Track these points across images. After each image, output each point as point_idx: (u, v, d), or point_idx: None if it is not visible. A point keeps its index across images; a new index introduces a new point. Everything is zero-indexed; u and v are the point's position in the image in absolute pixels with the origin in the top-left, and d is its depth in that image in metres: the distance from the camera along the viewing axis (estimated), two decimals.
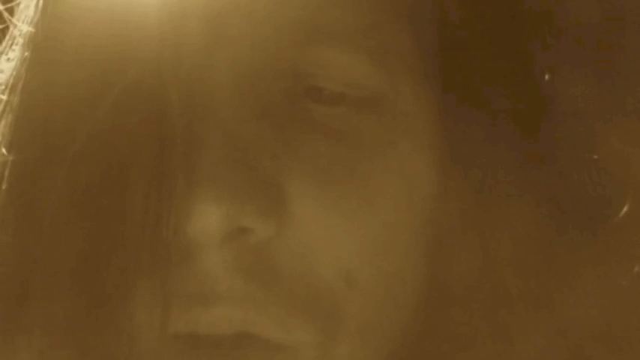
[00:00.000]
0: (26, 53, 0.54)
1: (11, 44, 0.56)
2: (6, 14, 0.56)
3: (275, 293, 0.48)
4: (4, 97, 0.54)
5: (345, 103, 0.50)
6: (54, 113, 0.50)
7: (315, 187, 0.49)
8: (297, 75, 0.50)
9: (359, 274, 0.49)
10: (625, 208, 0.54)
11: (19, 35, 0.55)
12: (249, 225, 0.48)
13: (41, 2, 0.53)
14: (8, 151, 0.51)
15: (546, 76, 0.53)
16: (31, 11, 0.54)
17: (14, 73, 0.54)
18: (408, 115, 0.51)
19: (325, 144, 0.49)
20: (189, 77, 0.49)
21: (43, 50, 0.52)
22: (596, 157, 0.54)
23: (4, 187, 0.51)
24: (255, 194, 0.48)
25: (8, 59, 0.56)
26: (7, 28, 0.57)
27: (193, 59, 0.49)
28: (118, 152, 0.48)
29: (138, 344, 0.47)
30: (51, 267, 0.49)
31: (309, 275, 0.49)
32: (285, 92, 0.50)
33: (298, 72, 0.50)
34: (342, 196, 0.49)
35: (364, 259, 0.49)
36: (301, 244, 0.49)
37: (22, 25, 0.55)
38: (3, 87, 0.55)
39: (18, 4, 0.56)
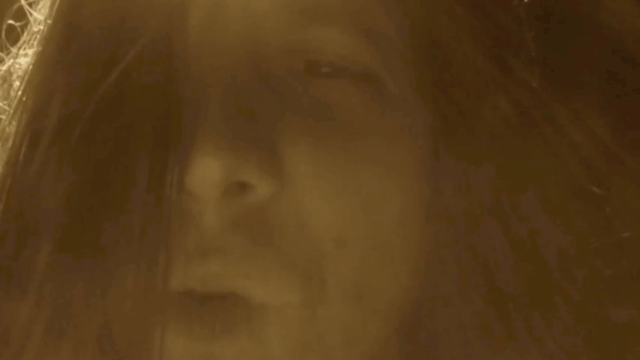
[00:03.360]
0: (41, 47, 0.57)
1: (29, 40, 0.59)
2: (27, 8, 0.60)
3: (268, 251, 0.51)
4: (20, 91, 0.57)
5: (342, 78, 0.53)
6: (68, 81, 0.53)
7: (310, 152, 0.51)
8: (295, 51, 0.53)
9: (348, 237, 0.51)
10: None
11: (37, 32, 0.59)
12: (248, 180, 0.50)
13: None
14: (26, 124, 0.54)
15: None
16: (47, 9, 0.58)
17: (30, 67, 0.57)
18: (398, 94, 0.54)
19: (321, 113, 0.52)
20: (195, 45, 0.51)
21: (56, 27, 0.55)
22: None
23: (21, 157, 0.54)
24: (255, 151, 0.50)
25: (26, 54, 0.59)
26: (26, 25, 0.60)
27: (198, 29, 0.52)
28: (127, 115, 0.51)
29: (139, 300, 0.49)
30: (59, 222, 0.51)
31: (300, 236, 0.51)
32: (285, 67, 0.53)
33: (296, 49, 0.53)
34: (335, 162, 0.51)
35: (353, 222, 0.51)
36: (296, 205, 0.51)
37: (40, 22, 0.58)
38: (21, 79, 0.58)
39: (37, 2, 0.59)
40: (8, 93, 0.59)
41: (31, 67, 0.57)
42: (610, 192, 0.55)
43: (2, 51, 0.61)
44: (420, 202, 0.54)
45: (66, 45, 0.54)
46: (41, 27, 0.58)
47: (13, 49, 0.60)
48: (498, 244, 0.55)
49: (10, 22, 0.61)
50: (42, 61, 0.56)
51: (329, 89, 0.52)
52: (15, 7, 0.60)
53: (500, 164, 0.55)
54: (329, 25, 0.52)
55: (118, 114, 0.51)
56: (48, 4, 0.58)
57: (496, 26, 0.55)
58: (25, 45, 0.60)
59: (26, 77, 0.57)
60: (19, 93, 0.57)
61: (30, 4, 0.60)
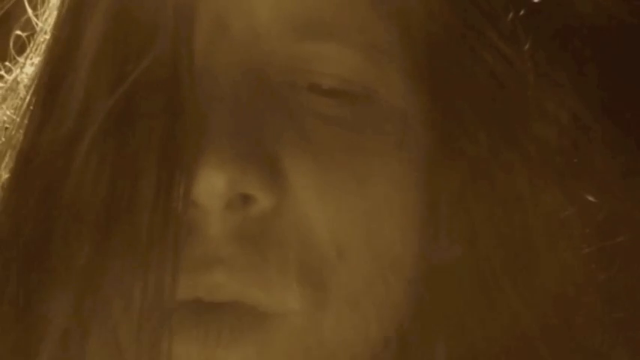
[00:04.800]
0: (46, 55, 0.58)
1: (35, 49, 0.61)
2: (35, 20, 0.61)
3: (270, 261, 0.52)
4: (27, 97, 0.58)
5: (341, 95, 0.54)
6: (74, 95, 0.54)
7: (312, 165, 0.53)
8: (297, 69, 0.54)
9: (348, 247, 0.53)
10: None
11: (43, 42, 0.60)
12: (252, 192, 0.52)
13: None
14: (34, 134, 0.56)
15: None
16: (52, 19, 0.59)
17: (37, 75, 0.58)
18: (397, 107, 0.56)
19: (322, 128, 0.54)
20: (200, 62, 0.53)
21: (62, 40, 0.57)
22: None
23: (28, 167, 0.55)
24: (257, 165, 0.52)
25: (32, 64, 0.60)
26: (33, 35, 0.61)
27: (203, 46, 0.53)
28: (134, 130, 0.52)
29: (146, 308, 0.51)
30: (69, 234, 0.53)
31: (303, 246, 0.53)
32: (287, 83, 0.54)
33: (298, 65, 0.54)
34: (335, 175, 0.53)
35: (353, 233, 0.53)
36: (297, 217, 0.53)
37: (46, 32, 0.60)
38: (27, 88, 0.59)
39: (43, 12, 0.61)
40: (15, 102, 0.60)
41: (37, 78, 0.58)
42: (603, 199, 0.57)
43: (10, 61, 0.62)
44: (416, 212, 0.56)
45: (71, 59, 0.55)
46: (47, 37, 0.59)
47: (20, 59, 0.61)
48: (493, 255, 0.56)
49: (18, 32, 0.62)
50: (48, 74, 0.57)
51: (329, 106, 0.54)
52: (23, 18, 0.61)
53: (496, 180, 0.57)
54: (329, 40, 0.54)
55: (125, 129, 0.52)
56: (54, 14, 0.59)
57: (491, 35, 0.57)
58: (32, 54, 0.61)
59: (32, 88, 0.58)
60: (26, 102, 0.58)
61: (36, 15, 0.61)
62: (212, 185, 0.51)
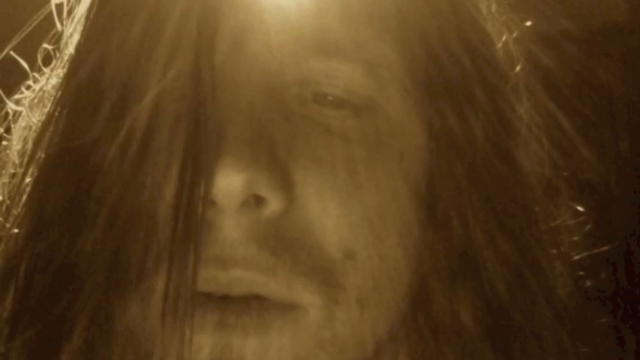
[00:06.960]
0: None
1: (61, 62, 0.64)
2: (61, 32, 0.64)
3: (283, 260, 0.56)
4: (53, 107, 0.62)
5: (345, 108, 0.58)
6: (99, 104, 0.58)
7: (317, 174, 0.57)
8: (305, 81, 0.58)
9: (355, 249, 0.57)
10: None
11: (68, 55, 0.64)
12: (264, 194, 0.55)
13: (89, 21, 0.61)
14: (60, 141, 0.59)
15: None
16: (78, 33, 0.63)
17: (62, 86, 0.62)
18: (397, 120, 0.60)
19: (327, 139, 0.58)
20: (219, 75, 0.57)
21: (87, 52, 0.60)
22: None
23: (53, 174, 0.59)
24: (270, 169, 0.56)
25: (58, 75, 0.64)
26: (58, 48, 0.65)
27: (222, 62, 0.57)
28: (157, 137, 0.56)
29: (168, 303, 0.54)
30: (93, 235, 0.56)
31: (312, 248, 0.56)
32: (295, 97, 0.58)
33: (306, 79, 0.58)
34: (339, 185, 0.57)
35: (359, 237, 0.57)
36: (304, 222, 0.56)
37: (72, 45, 0.63)
38: (53, 97, 0.63)
39: (69, 27, 0.64)
40: (42, 111, 0.64)
41: (62, 88, 0.61)
42: (592, 209, 0.61)
43: (38, 72, 0.66)
44: (417, 218, 0.60)
45: (96, 69, 0.59)
46: (72, 50, 0.63)
47: (47, 70, 0.65)
48: (487, 258, 0.60)
49: (45, 45, 0.66)
50: (72, 84, 0.61)
51: (334, 118, 0.58)
52: (52, 32, 0.65)
53: (493, 184, 0.60)
54: (334, 58, 0.58)
55: (149, 136, 0.56)
56: (79, 28, 0.63)
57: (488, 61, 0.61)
58: (58, 66, 0.64)
59: (58, 98, 0.61)
60: (52, 111, 0.61)
61: (63, 29, 0.64)
62: (230, 184, 0.54)
